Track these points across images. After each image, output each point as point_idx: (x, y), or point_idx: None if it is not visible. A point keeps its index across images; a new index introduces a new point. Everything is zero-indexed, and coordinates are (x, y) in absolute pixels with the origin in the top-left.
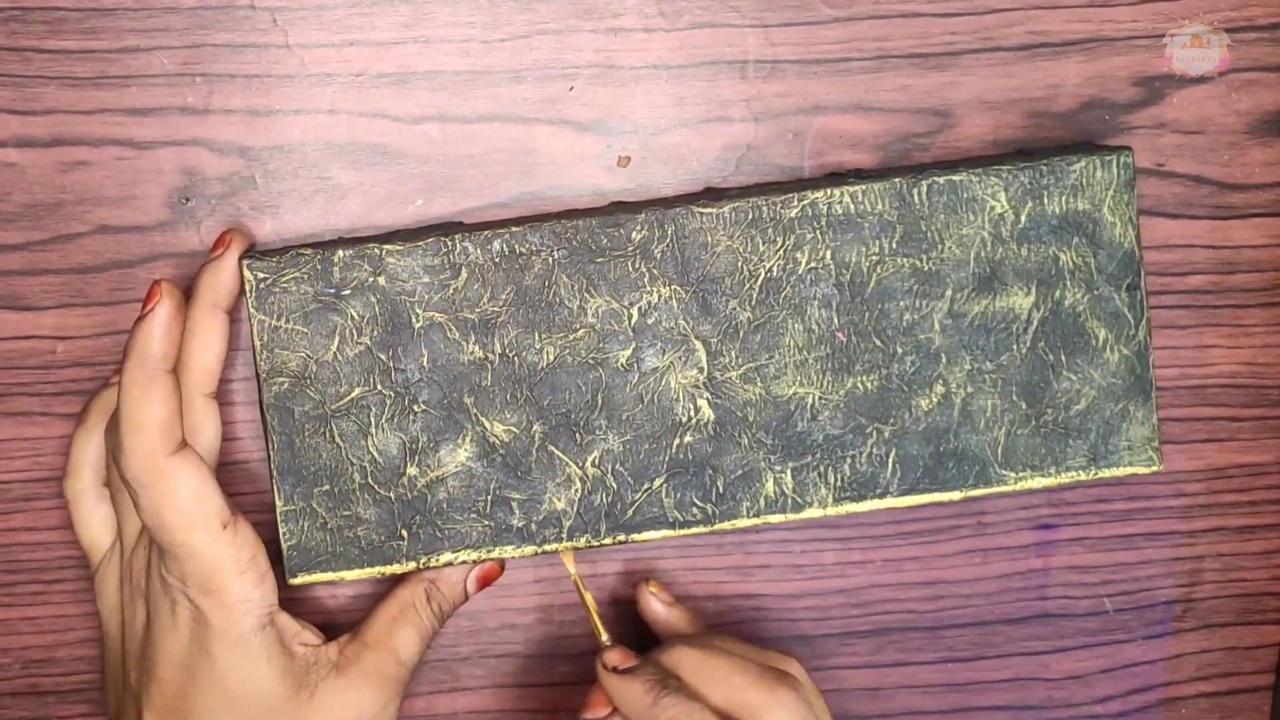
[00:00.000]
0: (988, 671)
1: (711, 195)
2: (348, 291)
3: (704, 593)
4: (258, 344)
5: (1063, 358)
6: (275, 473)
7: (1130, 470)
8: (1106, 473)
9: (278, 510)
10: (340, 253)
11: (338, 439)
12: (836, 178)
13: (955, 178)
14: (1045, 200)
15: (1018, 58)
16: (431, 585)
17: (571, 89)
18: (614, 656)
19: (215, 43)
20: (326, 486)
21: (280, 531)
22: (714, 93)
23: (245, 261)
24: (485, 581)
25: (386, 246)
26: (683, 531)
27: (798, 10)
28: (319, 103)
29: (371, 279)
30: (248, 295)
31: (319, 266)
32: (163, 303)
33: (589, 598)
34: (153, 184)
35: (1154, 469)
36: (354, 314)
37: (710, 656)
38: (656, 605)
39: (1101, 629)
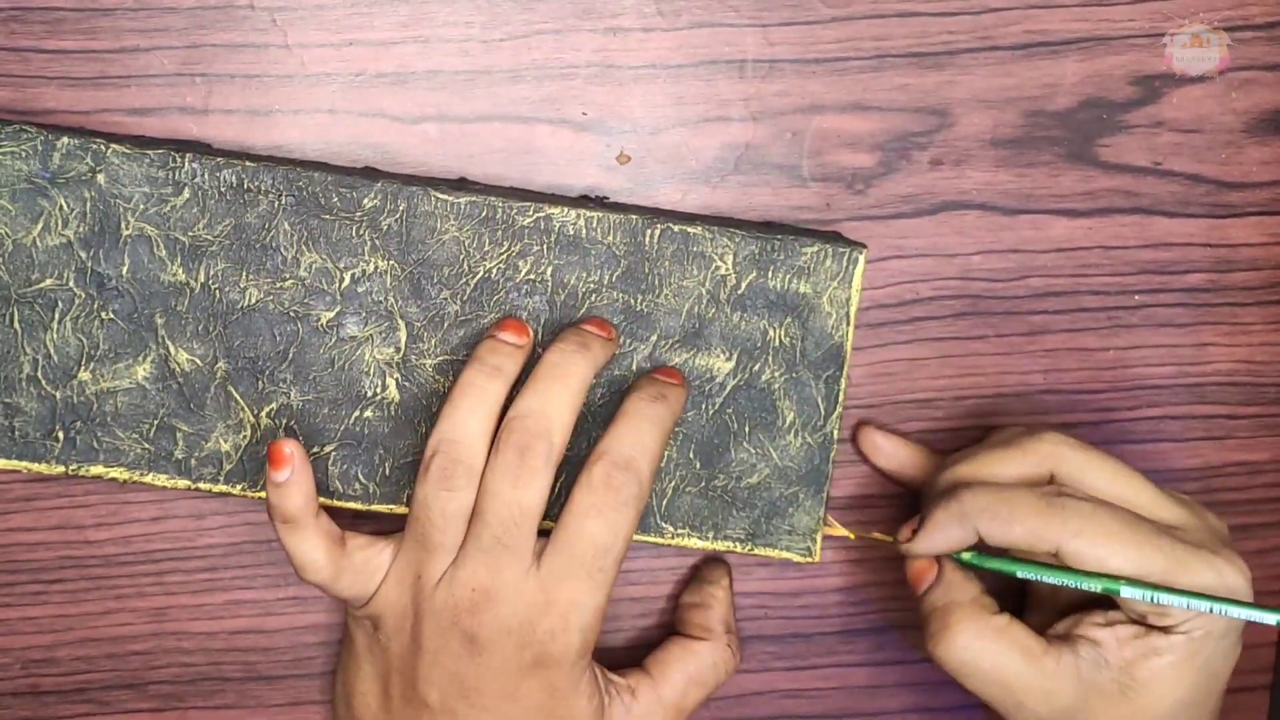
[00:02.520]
0: None
1: (457, 185)
2: (63, 181)
3: None
4: None
5: (747, 429)
6: None
7: (784, 555)
8: (761, 551)
9: None
10: (65, 139)
11: (16, 324)
12: (584, 200)
13: (690, 230)
14: (770, 274)
15: (1015, 57)
16: (731, 636)
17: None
18: (920, 567)
19: (214, 43)
20: None
21: None
22: (713, 92)
23: None
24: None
25: (114, 145)
26: (338, 503)
27: (796, 10)
28: (318, 102)
29: (91, 175)
30: None
31: (39, 147)
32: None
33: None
34: None
35: (808, 560)
36: (64, 204)
37: (999, 496)
38: (883, 442)
39: None
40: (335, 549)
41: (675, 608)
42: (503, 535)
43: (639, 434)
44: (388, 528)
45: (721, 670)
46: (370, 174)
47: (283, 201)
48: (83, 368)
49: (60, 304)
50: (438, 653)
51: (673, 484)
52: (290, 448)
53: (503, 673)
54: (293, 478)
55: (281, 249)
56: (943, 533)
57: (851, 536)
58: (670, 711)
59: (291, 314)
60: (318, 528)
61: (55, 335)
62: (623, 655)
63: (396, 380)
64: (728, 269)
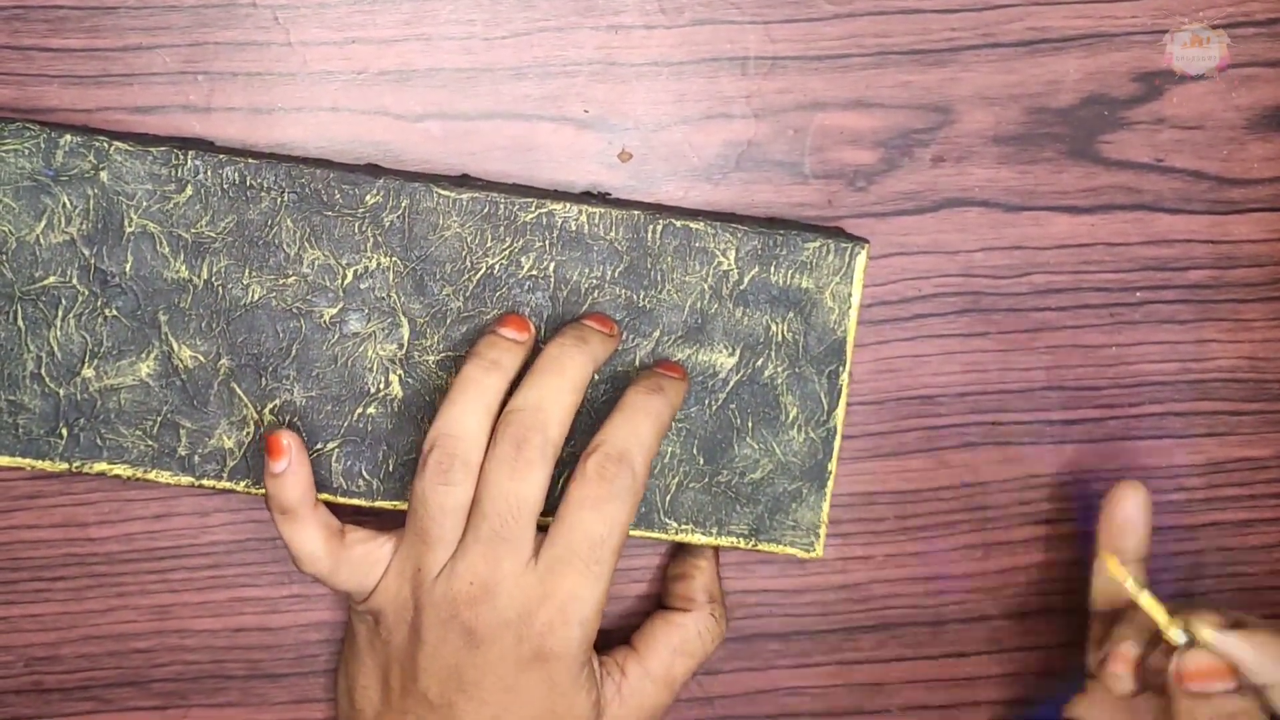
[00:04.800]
0: (989, 666)
1: (459, 182)
2: (66, 178)
3: None
4: None
5: (750, 424)
6: None
7: (788, 551)
8: (765, 547)
9: None
10: (68, 137)
11: (20, 321)
12: (586, 196)
13: (692, 225)
14: (772, 269)
15: (1018, 54)
16: (715, 605)
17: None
18: (1202, 664)
19: (217, 41)
20: None
21: None
22: (715, 89)
23: None
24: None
25: (116, 143)
26: (342, 500)
27: (798, 7)
28: (321, 100)
29: (94, 172)
30: None
31: (43, 145)
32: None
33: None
34: None
35: (811, 556)
36: (67, 202)
37: None
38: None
39: None
40: (333, 541)
41: (662, 580)
42: (500, 528)
43: (634, 426)
44: (391, 524)
45: (708, 639)
46: (372, 171)
47: (285, 198)
48: (86, 365)
49: (64, 301)
50: (437, 645)
51: (676, 479)
52: (287, 439)
53: (501, 666)
54: (290, 468)
55: (284, 246)
56: (1258, 649)
57: (1128, 582)
58: (659, 685)
59: (294, 310)
60: (315, 519)
61: (59, 332)
62: None
63: (399, 377)
64: (730, 264)
